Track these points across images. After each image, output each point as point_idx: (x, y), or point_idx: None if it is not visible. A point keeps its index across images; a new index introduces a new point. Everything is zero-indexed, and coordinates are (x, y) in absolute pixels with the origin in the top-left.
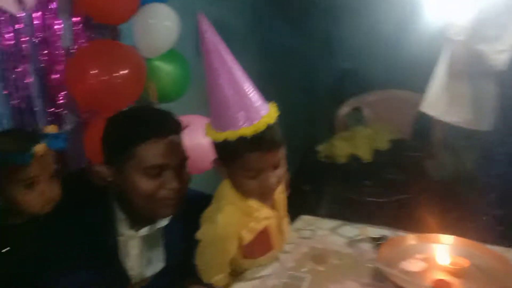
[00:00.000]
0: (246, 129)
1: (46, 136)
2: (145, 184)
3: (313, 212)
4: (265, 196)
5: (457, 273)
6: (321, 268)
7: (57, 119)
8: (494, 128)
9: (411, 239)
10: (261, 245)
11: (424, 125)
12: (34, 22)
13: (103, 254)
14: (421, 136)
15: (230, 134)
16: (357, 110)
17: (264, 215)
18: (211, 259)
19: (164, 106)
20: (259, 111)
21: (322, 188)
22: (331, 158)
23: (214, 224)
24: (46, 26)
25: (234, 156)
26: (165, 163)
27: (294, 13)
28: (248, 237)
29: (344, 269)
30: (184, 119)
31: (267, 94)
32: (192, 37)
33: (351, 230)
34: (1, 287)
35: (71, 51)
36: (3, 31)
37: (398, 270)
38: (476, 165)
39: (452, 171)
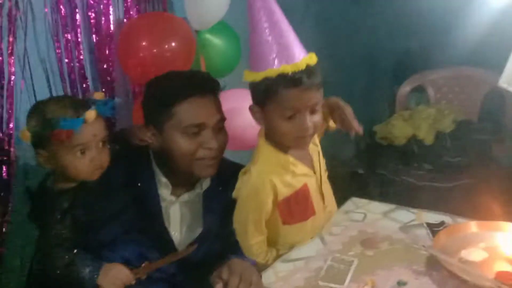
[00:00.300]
0: (286, 67)
1: (95, 102)
2: (184, 143)
3: (366, 196)
4: (299, 140)
5: None
6: (369, 253)
7: (108, 90)
8: None
9: (472, 226)
10: (300, 206)
11: (495, 105)
12: None
13: (149, 219)
14: (489, 117)
15: (270, 72)
16: (419, 88)
17: (300, 171)
18: (248, 216)
19: None
20: (299, 53)
21: (378, 171)
22: (388, 140)
23: (249, 174)
24: None
25: (273, 94)
26: (203, 122)
27: None
28: (284, 191)
29: (395, 255)
30: (233, 93)
31: (324, 71)
32: (243, 11)
33: (406, 214)
34: (54, 250)
35: (122, 23)
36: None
37: (457, 259)
38: None
39: None
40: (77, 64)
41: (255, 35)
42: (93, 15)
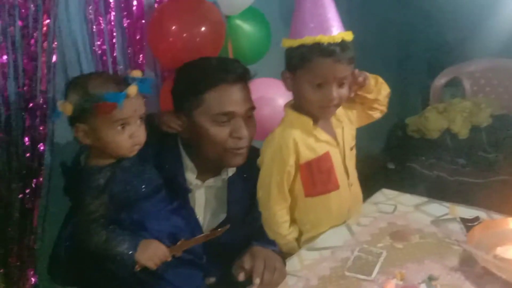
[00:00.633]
0: (323, 37)
1: (134, 79)
2: (214, 131)
3: (396, 189)
4: (324, 110)
5: None
6: (399, 246)
7: None
8: None
9: (510, 222)
10: (322, 175)
11: None
12: None
13: (178, 200)
14: None
15: (308, 39)
16: (455, 82)
17: (323, 138)
18: (271, 178)
19: None
20: (337, 28)
21: (409, 165)
22: (421, 133)
23: (272, 135)
24: None
25: (306, 61)
26: (232, 111)
27: None
28: (306, 153)
29: (426, 249)
30: (262, 82)
31: (356, 61)
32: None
33: (439, 208)
34: (92, 226)
35: (153, 7)
36: None
37: (493, 256)
38: None
39: None
40: (109, 47)
41: (300, 4)
42: None
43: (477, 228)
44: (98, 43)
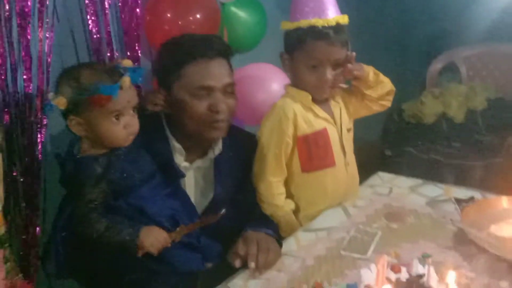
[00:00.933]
0: (318, 20)
1: (126, 69)
2: (192, 105)
3: (392, 173)
4: (318, 90)
5: None
6: (394, 226)
7: (133, 63)
8: None
9: (504, 201)
10: (319, 150)
11: None
12: None
13: (171, 184)
14: None
15: (303, 22)
16: (451, 67)
17: (322, 114)
18: (269, 150)
19: (238, 56)
20: (333, 12)
21: (405, 149)
22: (417, 118)
23: (273, 106)
24: None
25: (302, 43)
26: (211, 85)
27: None
28: (304, 127)
29: (420, 229)
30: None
31: (354, 46)
32: None
33: (433, 189)
34: (92, 215)
35: None
36: None
37: (486, 234)
38: None
39: None
40: (105, 36)
41: None
42: None
43: (471, 207)
44: (94, 31)
